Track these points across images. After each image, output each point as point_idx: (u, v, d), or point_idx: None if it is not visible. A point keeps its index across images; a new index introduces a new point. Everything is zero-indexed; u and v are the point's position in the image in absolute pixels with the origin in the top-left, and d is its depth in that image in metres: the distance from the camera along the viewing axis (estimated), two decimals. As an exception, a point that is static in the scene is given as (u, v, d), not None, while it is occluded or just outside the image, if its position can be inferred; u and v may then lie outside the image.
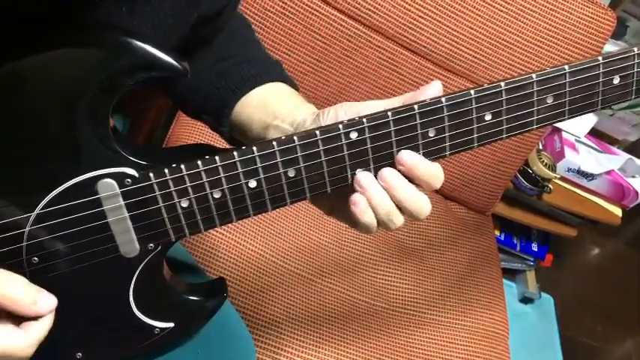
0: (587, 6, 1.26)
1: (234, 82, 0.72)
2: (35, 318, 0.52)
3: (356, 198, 0.58)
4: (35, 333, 0.52)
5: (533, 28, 1.26)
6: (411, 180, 0.59)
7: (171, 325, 0.66)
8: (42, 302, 0.52)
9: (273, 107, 0.69)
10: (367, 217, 0.59)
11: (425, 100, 0.57)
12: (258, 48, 0.80)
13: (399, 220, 0.60)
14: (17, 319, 0.52)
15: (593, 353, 2.15)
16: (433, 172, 0.59)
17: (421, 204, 0.60)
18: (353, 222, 0.61)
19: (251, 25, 0.82)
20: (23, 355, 0.51)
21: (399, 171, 0.58)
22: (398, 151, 0.58)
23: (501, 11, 1.25)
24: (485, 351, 1.22)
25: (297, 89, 0.75)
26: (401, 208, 0.59)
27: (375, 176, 0.59)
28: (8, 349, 0.50)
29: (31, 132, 0.52)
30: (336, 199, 0.62)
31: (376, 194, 0.58)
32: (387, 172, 0.58)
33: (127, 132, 1.08)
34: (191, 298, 0.67)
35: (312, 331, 1.08)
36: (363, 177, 0.58)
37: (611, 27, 1.29)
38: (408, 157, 0.58)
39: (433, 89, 0.58)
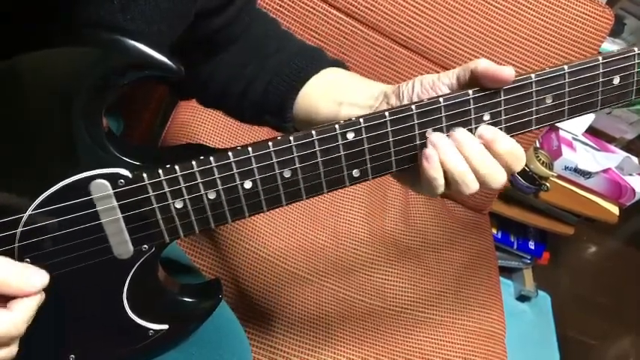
0: (584, 4, 1.25)
1: (289, 75, 0.72)
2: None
3: (428, 152, 0.57)
4: (22, 311, 0.50)
5: (529, 25, 1.26)
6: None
7: (166, 327, 0.65)
8: (32, 280, 0.51)
9: (341, 88, 0.69)
10: (435, 173, 0.57)
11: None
12: (297, 39, 0.79)
13: (474, 184, 0.58)
14: (3, 299, 0.50)
15: (590, 351, 2.15)
16: (515, 151, 0.58)
17: (497, 170, 0.57)
18: (420, 185, 0.60)
19: (276, 19, 0.82)
20: (12, 335, 0.50)
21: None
22: (396, 151, 0.58)
23: (498, 8, 1.24)
24: (483, 350, 1.22)
25: (348, 69, 0.75)
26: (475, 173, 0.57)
27: None
28: None
29: (24, 132, 0.52)
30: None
31: (450, 152, 0.57)
32: (459, 133, 0.57)
33: (121, 132, 1.07)
34: (186, 299, 0.67)
35: (308, 330, 1.07)
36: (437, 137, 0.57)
37: (609, 25, 1.28)
38: (488, 131, 0.57)
39: (507, 76, 0.56)
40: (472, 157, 0.57)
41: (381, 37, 1.27)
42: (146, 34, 0.58)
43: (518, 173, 1.69)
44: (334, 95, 0.68)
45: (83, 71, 0.51)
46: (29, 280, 0.51)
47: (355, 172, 0.59)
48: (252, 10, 0.78)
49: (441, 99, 0.56)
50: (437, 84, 0.60)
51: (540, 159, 1.69)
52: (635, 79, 0.60)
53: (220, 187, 0.57)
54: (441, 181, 0.57)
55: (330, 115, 0.68)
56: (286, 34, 0.80)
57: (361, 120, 0.56)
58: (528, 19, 1.25)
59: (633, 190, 1.78)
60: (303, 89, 0.71)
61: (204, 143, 1.20)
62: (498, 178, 0.58)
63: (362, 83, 0.70)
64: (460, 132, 0.57)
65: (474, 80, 0.58)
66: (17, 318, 0.50)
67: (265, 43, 0.76)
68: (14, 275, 0.50)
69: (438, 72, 0.60)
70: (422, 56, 1.29)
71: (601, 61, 0.58)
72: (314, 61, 0.73)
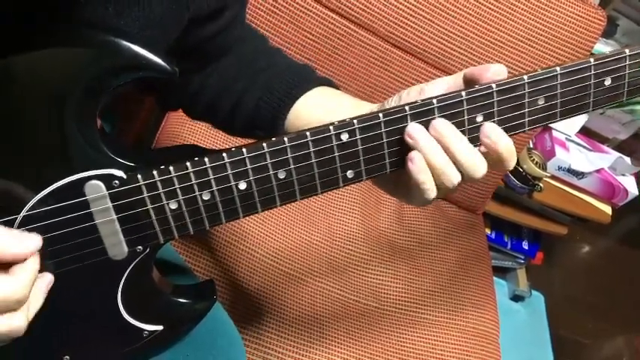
0: (577, 5, 1.25)
1: (279, 91, 0.72)
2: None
3: (412, 154, 0.57)
4: (22, 274, 0.50)
5: (523, 26, 1.26)
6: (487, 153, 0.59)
7: (160, 327, 0.65)
8: (26, 243, 0.51)
9: (328, 110, 0.69)
10: (424, 175, 0.57)
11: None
12: (286, 57, 0.80)
13: (455, 176, 0.58)
14: (3, 266, 0.50)
15: (583, 350, 2.16)
16: (512, 147, 0.58)
17: (477, 159, 0.58)
18: (411, 194, 0.60)
19: (265, 37, 0.82)
20: (16, 298, 0.50)
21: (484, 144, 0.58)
22: (389, 152, 0.58)
23: (492, 10, 1.24)
24: (476, 350, 1.22)
25: (337, 88, 0.75)
26: (456, 163, 0.58)
27: None
28: None
29: (17, 133, 0.52)
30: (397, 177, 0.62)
31: (429, 145, 0.57)
32: (439, 122, 0.57)
33: (114, 132, 1.07)
34: (180, 300, 0.67)
35: (302, 330, 1.07)
36: (415, 129, 0.57)
37: (602, 26, 1.29)
38: (490, 128, 0.58)
39: (495, 69, 0.58)
40: (455, 149, 0.57)
41: (376, 39, 1.27)
42: (140, 38, 0.58)
43: (511, 173, 1.70)
44: (322, 117, 0.68)
45: (77, 72, 0.51)
46: (22, 243, 0.51)
47: (349, 173, 0.59)
48: (243, 24, 0.78)
49: (434, 100, 0.56)
50: (425, 89, 0.60)
51: (534, 159, 1.70)
52: (627, 80, 0.60)
53: (215, 188, 0.57)
54: (430, 185, 0.58)
55: None
56: (276, 50, 0.80)
57: (355, 121, 0.56)
58: (522, 20, 1.26)
59: (626, 190, 1.79)
60: (294, 107, 0.71)
61: (199, 144, 1.20)
62: (481, 169, 0.58)
63: (348, 105, 0.69)
64: (441, 124, 0.57)
65: (468, 82, 0.59)
66: (18, 281, 0.50)
67: (256, 57, 0.77)
68: (7, 240, 0.50)
69: (433, 73, 0.60)
70: (416, 57, 1.29)
71: (592, 63, 0.58)
72: (304, 79, 0.73)
